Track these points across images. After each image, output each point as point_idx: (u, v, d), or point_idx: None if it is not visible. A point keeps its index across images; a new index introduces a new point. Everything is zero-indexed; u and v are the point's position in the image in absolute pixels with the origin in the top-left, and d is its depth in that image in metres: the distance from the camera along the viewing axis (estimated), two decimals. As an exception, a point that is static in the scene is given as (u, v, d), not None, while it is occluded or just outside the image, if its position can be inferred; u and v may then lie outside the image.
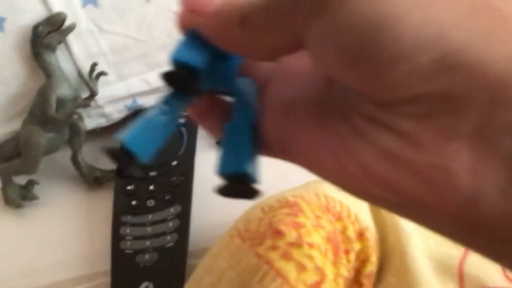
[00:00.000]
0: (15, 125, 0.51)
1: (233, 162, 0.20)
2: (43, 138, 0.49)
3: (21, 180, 0.52)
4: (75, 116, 0.50)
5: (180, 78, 0.19)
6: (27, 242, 0.50)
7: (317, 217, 0.35)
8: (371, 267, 0.36)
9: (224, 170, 0.20)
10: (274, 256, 0.31)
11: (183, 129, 0.51)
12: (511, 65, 0.13)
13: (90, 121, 0.54)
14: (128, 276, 0.44)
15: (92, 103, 0.51)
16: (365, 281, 0.36)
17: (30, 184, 0.52)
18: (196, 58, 0.19)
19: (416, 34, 0.14)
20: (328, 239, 0.34)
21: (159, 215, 0.46)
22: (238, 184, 0.20)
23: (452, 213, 0.14)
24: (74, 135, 0.51)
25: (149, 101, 0.54)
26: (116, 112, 0.54)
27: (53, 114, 0.47)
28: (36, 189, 0.52)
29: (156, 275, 0.44)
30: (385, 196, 0.16)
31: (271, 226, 0.33)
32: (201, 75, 0.19)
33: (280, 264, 0.31)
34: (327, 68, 0.17)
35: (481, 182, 0.13)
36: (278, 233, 0.32)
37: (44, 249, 0.50)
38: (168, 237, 0.45)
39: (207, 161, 0.51)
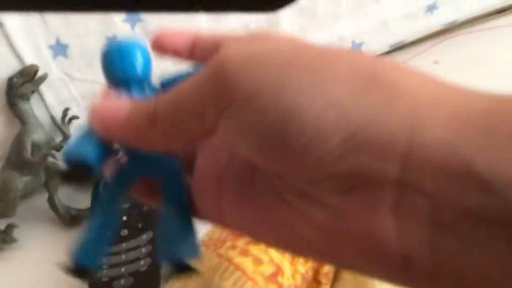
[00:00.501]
0: (-8, 173, 0.55)
1: (176, 249, 0.20)
2: (20, 181, 0.52)
3: (1, 225, 0.55)
4: (50, 160, 0.53)
5: (76, 174, 0.20)
6: (5, 286, 0.52)
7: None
8: (328, 266, 0.40)
9: (168, 259, 0.20)
10: (233, 253, 0.34)
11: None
12: (411, 134, 0.14)
13: (64, 164, 0.57)
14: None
15: (65, 146, 0.54)
16: (323, 280, 0.39)
17: (10, 228, 0.54)
18: (89, 155, 0.20)
19: (321, 121, 0.15)
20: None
21: (132, 243, 0.49)
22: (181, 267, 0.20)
23: (392, 269, 0.15)
24: (50, 178, 0.54)
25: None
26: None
27: (28, 157, 0.50)
28: (15, 232, 0.55)
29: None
30: (328, 260, 0.17)
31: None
32: (95, 168, 0.20)
33: (239, 259, 0.34)
34: (243, 155, 0.17)
35: (409, 241, 0.14)
36: (237, 234, 0.36)
37: (23, 291, 0.51)
38: (142, 262, 0.47)
39: None
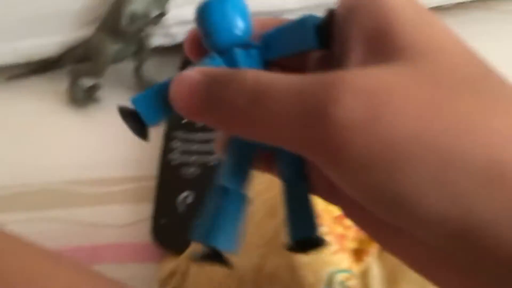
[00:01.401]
0: (87, 31, 0.56)
1: (302, 228, 0.20)
2: (112, 47, 0.53)
3: (87, 83, 0.57)
4: (143, 33, 0.53)
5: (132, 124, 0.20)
6: (85, 139, 0.56)
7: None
8: None
9: (297, 237, 0.20)
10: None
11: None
12: None
13: (156, 38, 0.57)
14: (172, 184, 0.49)
15: (160, 22, 0.54)
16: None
17: (95, 87, 0.57)
18: (151, 116, 0.19)
19: (437, 214, 0.14)
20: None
21: (207, 135, 0.50)
22: (309, 247, 0.20)
23: None
24: (140, 50, 0.55)
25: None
26: (181, 34, 0.57)
27: (124, 27, 0.51)
28: (99, 93, 0.57)
29: (197, 187, 0.48)
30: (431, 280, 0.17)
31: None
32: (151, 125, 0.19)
33: (311, 194, 0.34)
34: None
35: None
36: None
37: (99, 147, 0.55)
38: (211, 157, 0.49)
39: None
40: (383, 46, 0.16)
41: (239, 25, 0.19)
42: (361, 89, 0.14)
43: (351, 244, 0.36)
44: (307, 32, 0.18)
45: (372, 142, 0.14)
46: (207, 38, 0.19)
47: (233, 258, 0.35)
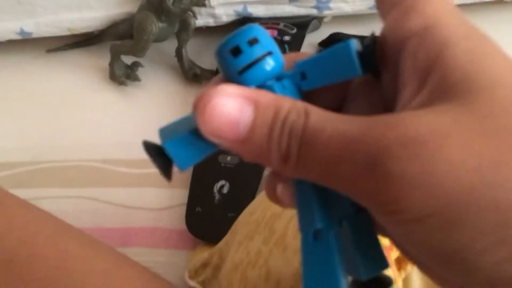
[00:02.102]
0: (131, 8, 0.54)
1: (371, 264, 0.17)
2: (156, 26, 0.51)
3: (128, 60, 0.56)
4: (188, 12, 0.51)
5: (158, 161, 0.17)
6: (124, 117, 0.55)
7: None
8: None
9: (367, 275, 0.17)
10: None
11: (286, 46, 0.51)
12: None
13: (200, 18, 0.55)
14: (208, 172, 0.48)
15: (206, 2, 0.52)
16: None
17: (135, 65, 0.56)
18: (182, 161, 0.17)
19: (494, 272, 0.14)
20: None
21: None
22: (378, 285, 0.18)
23: None
24: (183, 30, 0.53)
25: (258, 10, 0.55)
26: (225, 15, 0.55)
27: (170, 6, 0.49)
28: (140, 72, 0.56)
29: (233, 177, 0.47)
30: None
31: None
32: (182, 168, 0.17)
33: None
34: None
35: None
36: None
37: (137, 127, 0.54)
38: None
39: None
40: (437, 82, 0.14)
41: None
42: (413, 139, 0.13)
43: (395, 254, 0.34)
44: (348, 59, 0.17)
45: (428, 195, 0.13)
46: (238, 76, 0.17)
47: (272, 262, 0.34)
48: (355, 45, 0.17)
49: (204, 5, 0.50)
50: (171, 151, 0.17)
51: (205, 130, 0.15)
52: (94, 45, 0.59)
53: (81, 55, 0.60)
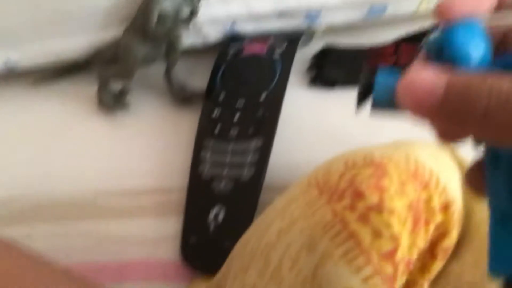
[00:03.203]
0: (116, 31, 0.52)
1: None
2: (141, 49, 0.49)
3: (116, 87, 0.54)
4: (174, 33, 0.49)
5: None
6: (113, 146, 0.53)
7: (403, 183, 0.33)
8: (449, 241, 0.35)
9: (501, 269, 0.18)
10: (350, 217, 0.30)
11: (277, 63, 0.49)
12: None
13: (187, 39, 0.53)
14: (202, 199, 0.45)
15: (191, 22, 0.50)
16: (439, 254, 0.35)
17: (124, 91, 0.54)
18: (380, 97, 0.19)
19: None
20: (410, 208, 0.32)
21: (240, 146, 0.46)
22: None
23: None
24: (170, 51, 0.51)
25: (247, 27, 0.53)
26: (213, 33, 0.53)
27: (153, 28, 0.47)
28: (128, 98, 0.54)
29: (228, 203, 0.45)
30: None
31: (352, 184, 0.32)
32: None
33: (356, 226, 0.30)
34: None
35: None
36: (359, 194, 0.31)
37: (127, 156, 0.52)
38: (246, 169, 0.45)
39: (297, 99, 0.51)
40: None
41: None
42: None
43: (401, 281, 0.32)
44: None
45: None
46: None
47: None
48: None
49: (188, 25, 0.48)
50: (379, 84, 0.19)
51: (404, 100, 0.18)
52: (81, 73, 0.57)
53: (69, 85, 0.58)
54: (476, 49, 0.17)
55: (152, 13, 0.47)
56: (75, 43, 0.54)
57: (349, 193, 0.31)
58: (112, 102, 0.54)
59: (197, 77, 0.55)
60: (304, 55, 0.54)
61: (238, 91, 0.48)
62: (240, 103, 0.48)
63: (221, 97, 0.49)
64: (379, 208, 0.30)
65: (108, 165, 0.52)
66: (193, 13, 0.49)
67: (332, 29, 0.54)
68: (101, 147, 0.53)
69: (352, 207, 0.31)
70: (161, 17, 0.48)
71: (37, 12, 0.51)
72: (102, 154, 0.53)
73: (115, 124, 0.54)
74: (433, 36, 0.19)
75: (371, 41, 0.53)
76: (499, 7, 0.19)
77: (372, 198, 0.31)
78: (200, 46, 0.55)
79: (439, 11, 0.19)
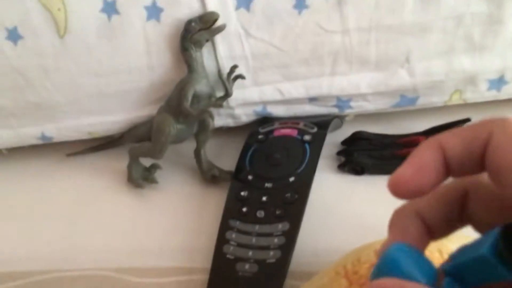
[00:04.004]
0: (151, 110, 0.54)
1: None
2: (174, 128, 0.51)
3: (146, 162, 0.55)
4: (206, 114, 0.51)
5: None
6: (138, 222, 0.53)
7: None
8: None
9: None
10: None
11: (307, 146, 0.49)
12: None
13: (219, 119, 0.55)
14: (226, 280, 0.44)
15: (224, 103, 0.51)
16: None
17: (154, 167, 0.55)
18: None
19: None
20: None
21: (266, 228, 0.45)
22: None
23: None
24: (202, 130, 0.52)
25: (279, 110, 0.54)
26: (244, 115, 0.55)
27: (187, 108, 0.48)
28: (157, 174, 0.55)
29: (252, 286, 0.43)
30: None
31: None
32: None
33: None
34: None
35: None
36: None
37: (152, 232, 0.51)
38: (271, 253, 0.44)
39: (325, 183, 0.50)
40: None
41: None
42: None
43: None
44: (491, 262, 0.17)
45: None
46: None
47: None
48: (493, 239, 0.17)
49: (221, 106, 0.49)
50: None
51: None
52: (113, 148, 0.59)
53: (100, 158, 0.59)
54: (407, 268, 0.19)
55: (187, 93, 0.49)
56: (110, 120, 0.55)
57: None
58: (141, 178, 0.54)
59: (226, 156, 0.55)
60: (334, 139, 0.54)
61: (267, 172, 0.48)
62: (269, 184, 0.48)
63: (250, 177, 0.49)
64: None
65: (132, 242, 0.51)
66: (226, 95, 0.50)
67: (363, 116, 0.55)
68: (127, 222, 0.53)
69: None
70: (196, 98, 0.49)
71: (76, 90, 0.54)
72: (127, 229, 0.52)
73: (142, 199, 0.55)
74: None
75: (401, 130, 0.53)
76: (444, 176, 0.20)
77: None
78: (232, 126, 0.56)
79: (391, 190, 0.20)
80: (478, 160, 0.19)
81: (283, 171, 0.48)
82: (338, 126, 0.55)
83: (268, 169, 0.49)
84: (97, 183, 0.57)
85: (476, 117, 0.51)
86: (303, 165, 0.48)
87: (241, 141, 0.55)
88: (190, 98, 0.48)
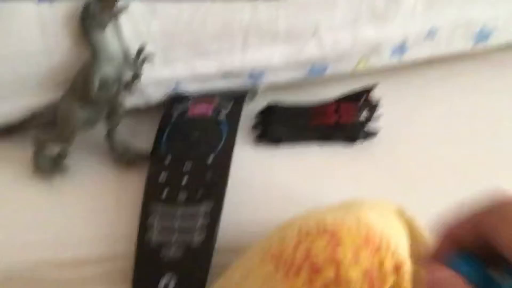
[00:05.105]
0: (53, 95, 0.50)
1: None
2: (82, 114, 0.48)
3: (53, 149, 0.51)
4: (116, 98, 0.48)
5: None
6: (51, 214, 0.50)
7: (356, 251, 0.33)
8: None
9: None
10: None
11: (224, 123, 0.49)
12: None
13: (129, 99, 0.52)
14: (152, 266, 0.44)
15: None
16: None
17: (61, 155, 0.51)
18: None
19: None
20: (365, 275, 0.33)
21: (189, 210, 0.45)
22: None
23: None
24: (112, 114, 0.50)
25: (191, 87, 0.53)
26: (156, 94, 0.53)
27: (94, 95, 0.46)
28: (66, 161, 0.52)
29: (179, 270, 0.43)
30: None
31: (308, 257, 0.32)
32: None
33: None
34: None
35: None
36: (316, 270, 0.31)
37: (68, 223, 0.49)
38: (195, 235, 0.44)
39: (244, 157, 0.51)
40: None
41: None
42: None
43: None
44: None
45: None
46: None
47: None
48: None
49: (131, 91, 0.47)
50: None
51: None
52: (13, 135, 0.54)
53: (1, 147, 0.55)
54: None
55: (93, 79, 0.46)
56: (6, 108, 0.51)
57: (306, 268, 0.31)
58: (49, 166, 0.51)
59: (140, 138, 0.53)
60: (248, 112, 0.55)
61: (185, 153, 0.48)
62: (188, 166, 0.47)
63: (168, 160, 0.48)
64: (336, 282, 0.31)
65: (46, 235, 0.49)
66: (136, 77, 0.48)
67: (276, 87, 0.55)
68: (38, 215, 0.50)
69: (310, 283, 0.31)
70: (103, 83, 0.46)
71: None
72: (39, 222, 0.49)
73: (52, 190, 0.51)
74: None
75: (312, 96, 0.55)
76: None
77: (329, 272, 0.31)
78: (143, 106, 0.54)
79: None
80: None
81: (201, 151, 0.48)
82: (252, 99, 0.55)
83: (186, 150, 0.48)
84: (1, 176, 0.53)
85: (381, 81, 0.54)
86: (221, 143, 0.48)
87: (154, 122, 0.53)
88: (96, 84, 0.46)
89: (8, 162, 0.53)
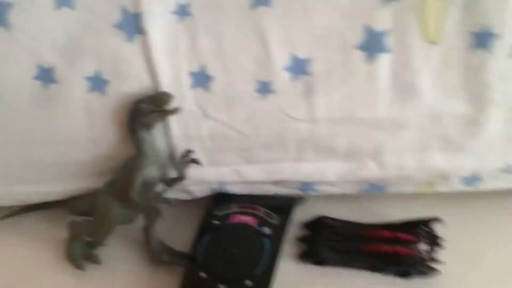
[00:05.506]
0: (93, 183, 0.48)
1: None
2: (119, 211, 0.45)
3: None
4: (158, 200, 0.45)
5: None
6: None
7: None
8: None
9: None
10: None
11: (267, 241, 0.45)
12: None
13: (172, 193, 0.49)
14: None
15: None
16: None
17: (96, 244, 0.49)
18: None
19: None
20: None
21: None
22: None
23: None
24: (151, 211, 0.47)
25: (237, 188, 0.49)
26: (199, 191, 0.50)
27: (134, 197, 0.43)
28: (100, 251, 0.49)
29: None
30: None
31: None
32: None
33: None
34: None
35: None
36: None
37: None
38: None
39: (285, 272, 0.46)
40: None
41: None
42: None
43: None
44: None
45: None
46: None
47: None
48: None
49: (170, 202, 0.44)
50: None
51: None
52: (51, 210, 0.53)
53: (35, 222, 0.53)
54: None
55: (135, 179, 0.43)
56: (46, 190, 0.50)
57: None
58: (82, 255, 0.49)
59: (180, 231, 0.50)
60: (296, 217, 0.50)
61: (223, 271, 0.44)
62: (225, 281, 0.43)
63: (203, 274, 0.44)
64: None
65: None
66: (179, 179, 0.45)
67: (327, 196, 0.51)
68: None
69: None
70: (145, 184, 0.44)
71: (6, 157, 0.48)
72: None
73: (82, 277, 0.49)
74: None
75: (367, 213, 0.50)
76: None
77: None
78: (186, 199, 0.51)
79: None
80: None
81: (240, 270, 0.44)
82: (302, 204, 0.51)
83: (223, 269, 0.44)
84: (31, 256, 0.51)
85: (448, 206, 0.48)
86: (262, 266, 0.44)
87: (196, 212, 0.50)
88: (137, 186, 0.43)
89: (41, 241, 0.52)
